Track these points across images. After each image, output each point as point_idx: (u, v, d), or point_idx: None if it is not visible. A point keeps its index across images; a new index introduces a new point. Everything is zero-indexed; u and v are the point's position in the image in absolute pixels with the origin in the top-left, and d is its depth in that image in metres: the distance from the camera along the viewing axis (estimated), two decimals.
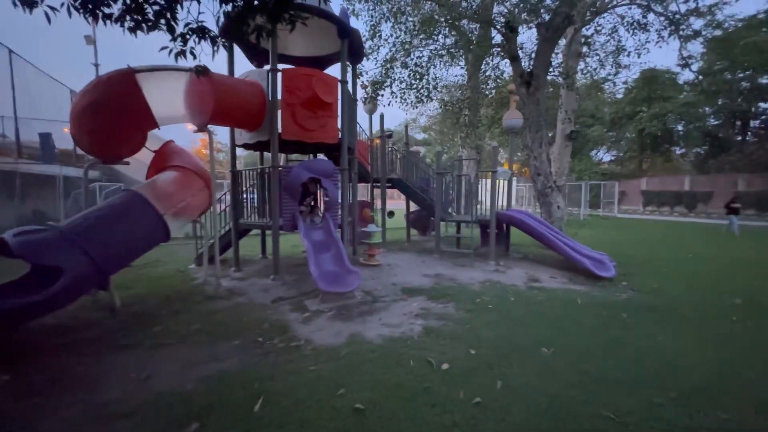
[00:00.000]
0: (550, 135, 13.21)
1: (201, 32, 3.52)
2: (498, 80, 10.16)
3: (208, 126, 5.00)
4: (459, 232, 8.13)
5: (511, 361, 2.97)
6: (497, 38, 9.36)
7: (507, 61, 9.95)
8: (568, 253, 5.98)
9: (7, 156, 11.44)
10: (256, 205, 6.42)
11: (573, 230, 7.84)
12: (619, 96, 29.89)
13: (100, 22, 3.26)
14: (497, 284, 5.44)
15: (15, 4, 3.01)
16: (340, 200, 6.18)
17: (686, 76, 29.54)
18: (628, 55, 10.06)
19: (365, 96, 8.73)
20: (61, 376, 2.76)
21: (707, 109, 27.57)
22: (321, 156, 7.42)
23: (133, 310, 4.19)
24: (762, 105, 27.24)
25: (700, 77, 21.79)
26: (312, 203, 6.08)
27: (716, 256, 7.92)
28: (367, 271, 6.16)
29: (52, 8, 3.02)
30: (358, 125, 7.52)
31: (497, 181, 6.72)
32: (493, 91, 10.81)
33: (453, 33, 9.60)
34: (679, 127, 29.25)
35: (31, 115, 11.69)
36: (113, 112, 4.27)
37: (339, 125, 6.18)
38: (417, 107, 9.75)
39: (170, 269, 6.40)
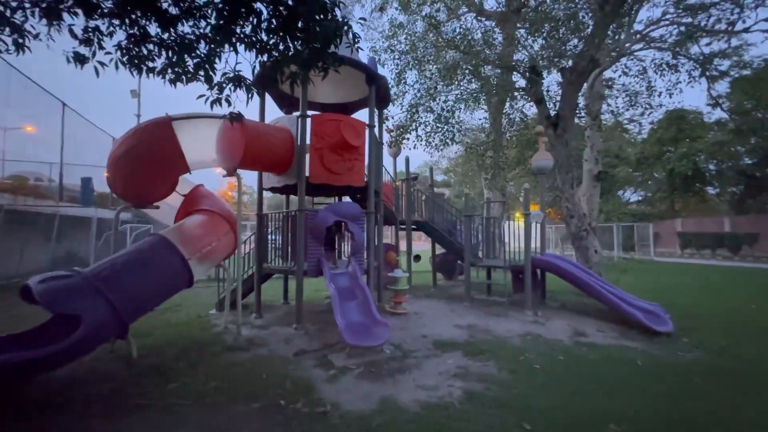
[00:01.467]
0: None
1: (237, 81, 3.58)
2: (523, 121, 10.13)
3: (237, 170, 5.02)
4: (489, 278, 7.67)
5: None
6: (521, 82, 9.44)
7: (531, 104, 9.98)
8: (617, 305, 5.42)
9: (50, 199, 12.08)
10: (280, 248, 6.29)
11: (613, 276, 7.26)
12: (644, 135, 29.50)
13: (144, 74, 3.43)
14: (539, 338, 4.92)
15: (69, 61, 3.18)
16: (366, 244, 5.97)
17: (715, 115, 29.06)
18: (659, 95, 9.89)
19: (390, 140, 8.81)
20: None
21: (740, 148, 26.66)
22: (346, 199, 7.36)
23: (149, 362, 3.95)
24: None
25: (732, 116, 21.29)
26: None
27: None
28: (394, 321, 5.77)
29: (102, 63, 3.16)
30: (383, 168, 7.49)
31: (530, 224, 6.39)
32: (517, 133, 10.76)
33: (476, 80, 9.80)
34: (711, 167, 28.26)
35: (75, 161, 12.47)
36: (149, 159, 4.34)
37: (365, 168, 6.13)
38: (441, 150, 9.76)
39: (191, 315, 6.21)
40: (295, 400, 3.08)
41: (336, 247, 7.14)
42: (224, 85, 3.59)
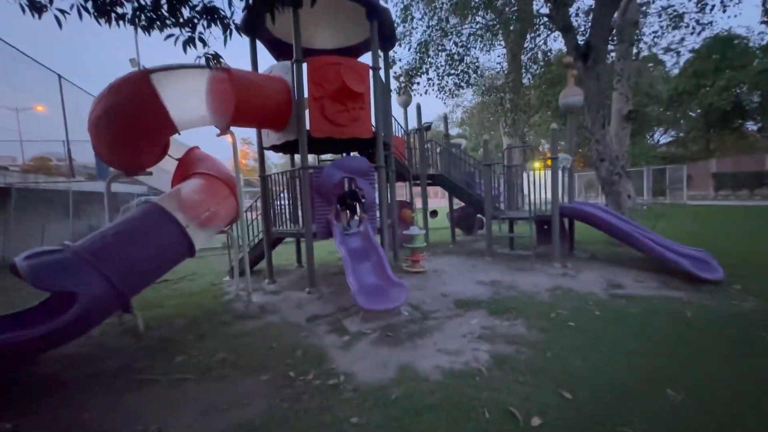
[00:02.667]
0: None
1: (210, 14, 3.05)
2: (546, 56, 9.05)
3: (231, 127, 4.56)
4: (512, 231, 7.20)
5: (627, 412, 2.14)
6: (544, 10, 8.29)
7: (556, 34, 8.86)
8: (660, 253, 4.89)
9: (63, 176, 12.09)
10: (288, 211, 5.96)
11: (649, 222, 6.65)
12: (676, 71, 26.90)
13: (113, 24, 2.99)
14: (571, 292, 4.52)
15: (23, 10, 2.72)
16: (377, 201, 5.54)
17: (759, 40, 25.89)
18: (711, 10, 8.51)
19: (399, 86, 8.05)
20: (66, 425, 2.33)
21: None
22: (354, 154, 6.84)
23: (158, 335, 3.79)
24: None
25: None
26: (354, 204, 5.37)
27: None
28: (411, 280, 5.47)
29: (62, 11, 2.72)
30: (393, 119, 6.85)
31: (558, 168, 5.76)
32: (540, 72, 9.69)
33: (492, 12, 8.67)
34: (755, 99, 25.72)
35: (85, 137, 12.26)
36: (130, 119, 3.92)
37: (372, 118, 5.54)
38: (456, 96, 8.91)
39: (205, 283, 6.09)
40: (305, 371, 2.83)
41: (348, 206, 6.78)
42: (195, 20, 3.08)
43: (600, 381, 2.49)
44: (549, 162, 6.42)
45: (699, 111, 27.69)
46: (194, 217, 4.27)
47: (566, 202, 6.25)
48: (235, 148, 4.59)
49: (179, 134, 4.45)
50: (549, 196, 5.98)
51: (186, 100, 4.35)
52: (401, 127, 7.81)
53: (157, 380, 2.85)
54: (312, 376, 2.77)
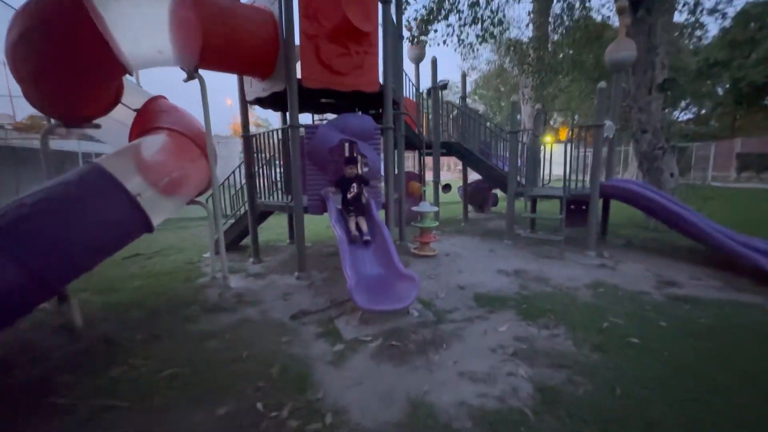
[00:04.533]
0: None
1: None
2: (582, 5, 7.74)
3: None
4: (534, 211, 6.29)
5: None
6: None
7: None
8: (725, 244, 4.00)
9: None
10: (276, 179, 5.06)
11: (694, 206, 5.73)
12: (705, 42, 24.79)
13: None
14: (617, 291, 3.68)
15: None
16: (382, 171, 4.62)
17: None
18: None
19: (411, 35, 6.87)
20: None
21: None
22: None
23: (101, 332, 3.01)
24: None
25: None
26: (355, 190, 4.09)
27: None
28: (420, 265, 4.65)
29: None
30: (404, 74, 5.77)
31: (602, 139, 4.77)
32: (574, 26, 8.38)
33: None
34: None
35: None
36: (57, 47, 2.93)
37: (380, 68, 4.50)
38: (476, 51, 7.71)
39: (181, 260, 5.29)
40: (280, 403, 2.05)
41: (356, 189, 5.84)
42: None
43: None
44: (562, 136, 5.38)
45: (727, 86, 25.91)
46: (155, 182, 3.38)
47: (605, 180, 5.29)
48: (205, 97, 3.61)
49: (131, 75, 3.47)
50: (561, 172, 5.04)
51: (139, 28, 3.35)
52: (413, 85, 6.72)
53: (73, 406, 2.07)
54: (287, 412, 1.98)
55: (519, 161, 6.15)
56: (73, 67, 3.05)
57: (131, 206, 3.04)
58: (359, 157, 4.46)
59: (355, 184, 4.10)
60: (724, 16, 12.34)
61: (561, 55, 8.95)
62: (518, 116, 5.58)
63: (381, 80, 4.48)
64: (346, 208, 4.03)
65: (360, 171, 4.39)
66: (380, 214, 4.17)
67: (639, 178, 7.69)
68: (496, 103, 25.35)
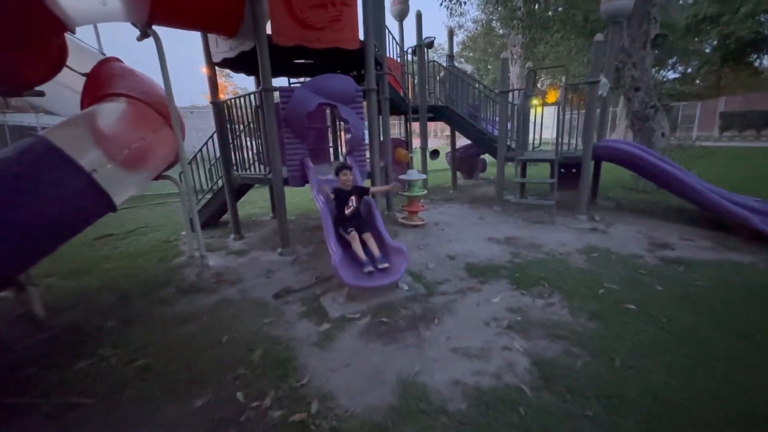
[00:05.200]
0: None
1: None
2: None
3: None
4: (524, 175, 6.12)
5: None
6: None
7: None
8: (726, 207, 3.90)
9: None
10: (253, 149, 4.71)
11: (685, 165, 5.64)
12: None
13: None
14: (610, 255, 3.60)
15: None
16: (367, 137, 4.33)
17: None
18: None
19: None
20: None
21: None
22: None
23: (69, 320, 2.79)
24: None
25: None
26: (354, 205, 3.37)
27: None
28: (408, 235, 4.49)
29: None
30: (387, 32, 5.31)
31: (596, 97, 4.54)
32: None
33: None
34: None
35: None
36: None
37: (360, 24, 4.09)
38: (462, 5, 7.17)
39: (157, 239, 5.00)
40: (262, 391, 1.90)
41: (329, 143, 5.52)
42: None
43: (714, 415, 1.60)
44: (550, 99, 5.14)
45: (715, 43, 25.51)
46: (113, 156, 3.04)
47: (597, 141, 5.11)
48: (163, 58, 3.20)
49: (72, 32, 3.02)
50: (552, 136, 4.85)
51: None
52: (397, 43, 6.26)
53: (34, 406, 1.89)
54: (270, 400, 1.84)
55: (509, 124, 5.90)
56: (3, 26, 2.61)
57: (86, 184, 2.72)
58: (350, 169, 3.80)
59: (353, 198, 3.32)
60: None
61: (550, 12, 8.44)
62: (508, 74, 5.26)
63: (361, 37, 4.09)
64: (344, 226, 3.18)
65: (343, 139, 4.07)
66: (366, 184, 3.93)
67: (627, 139, 7.55)
68: (483, 66, 24.50)
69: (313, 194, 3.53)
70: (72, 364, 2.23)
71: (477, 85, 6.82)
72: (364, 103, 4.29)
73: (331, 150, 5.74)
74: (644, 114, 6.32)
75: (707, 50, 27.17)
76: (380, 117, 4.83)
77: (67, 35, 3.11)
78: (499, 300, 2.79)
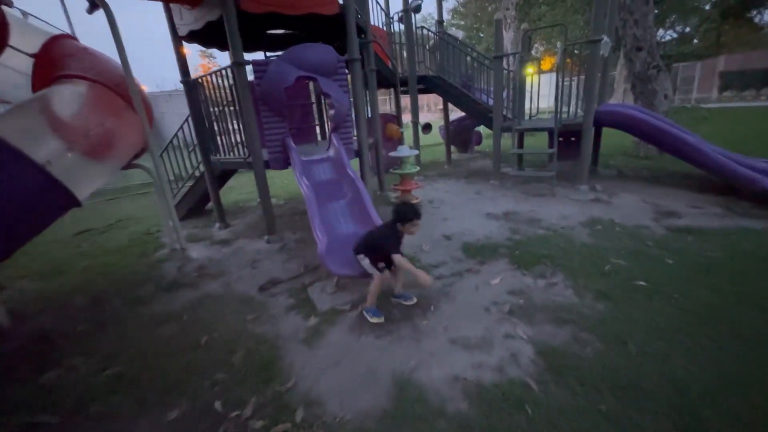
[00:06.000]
0: None
1: None
2: None
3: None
4: (521, 146, 5.84)
5: None
6: None
7: None
8: (738, 171, 3.67)
9: None
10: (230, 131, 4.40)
11: (690, 128, 5.37)
12: None
13: None
14: (615, 227, 3.40)
15: None
16: (352, 112, 4.02)
17: None
18: None
19: None
20: None
21: None
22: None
23: (37, 325, 2.59)
24: None
25: None
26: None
27: None
28: None
29: None
30: None
31: (598, 57, 4.22)
32: None
33: None
34: None
35: None
36: None
37: None
38: None
39: (138, 231, 4.77)
40: (242, 399, 1.72)
41: (311, 120, 5.18)
42: None
43: (744, 408, 1.44)
44: (547, 65, 4.83)
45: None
46: (73, 143, 2.76)
47: (601, 106, 4.82)
48: (116, 32, 2.85)
49: (9, 5, 2.66)
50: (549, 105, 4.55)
51: None
52: (382, 10, 5.82)
53: None
54: (251, 409, 1.66)
55: (505, 92, 5.57)
56: None
57: (40, 178, 2.45)
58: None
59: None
60: None
61: None
62: (501, 39, 4.88)
63: (341, 1, 3.71)
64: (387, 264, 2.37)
65: (327, 114, 3.77)
66: (353, 164, 3.67)
67: (626, 103, 7.23)
68: (475, 34, 23.54)
69: (296, 177, 3.27)
70: (38, 376, 2.04)
71: (470, 51, 6.41)
72: (349, 76, 3.97)
73: (318, 128, 5.41)
74: (647, 75, 5.99)
75: (706, 7, 26.29)
76: (367, 90, 4.50)
77: (6, 9, 2.75)
78: (499, 282, 2.60)
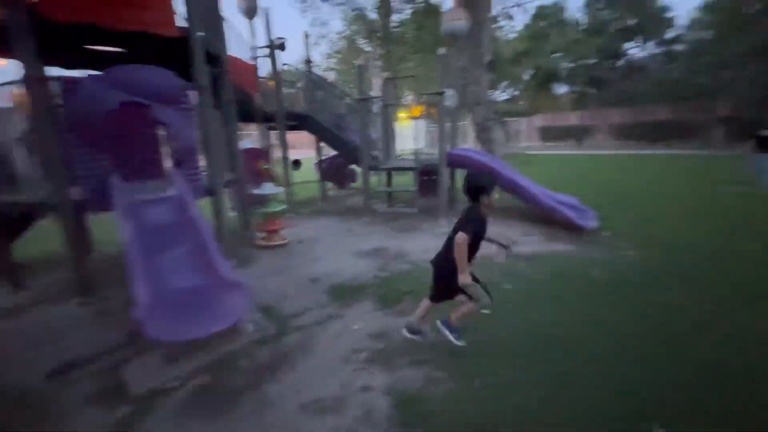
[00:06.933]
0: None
1: None
2: None
3: None
4: (390, 184, 6.18)
5: None
6: None
7: None
8: (551, 206, 4.49)
9: None
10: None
11: (519, 169, 6.56)
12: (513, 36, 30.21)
13: None
14: None
15: None
16: (199, 144, 3.58)
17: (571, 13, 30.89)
18: None
19: None
20: None
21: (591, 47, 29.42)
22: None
23: None
24: (627, 45, 30.08)
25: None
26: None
27: (669, 191, 7.47)
28: (267, 258, 3.91)
29: None
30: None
31: (444, 107, 4.80)
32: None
33: None
34: (568, 64, 31.05)
35: None
36: None
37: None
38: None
39: None
40: None
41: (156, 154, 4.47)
42: None
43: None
44: (416, 112, 5.45)
45: (532, 72, 32.12)
46: None
47: (452, 150, 5.45)
48: None
49: None
50: (419, 146, 5.06)
51: None
52: (247, 43, 5.58)
53: None
54: None
55: (373, 133, 5.87)
56: None
57: None
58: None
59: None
60: (525, 11, 14.54)
61: (404, 30, 8.98)
62: (364, 81, 5.19)
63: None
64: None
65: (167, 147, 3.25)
66: (202, 204, 3.20)
67: (476, 148, 8.51)
68: (351, 78, 25.20)
69: (119, 220, 2.64)
70: None
71: (338, 92, 6.64)
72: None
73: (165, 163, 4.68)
74: (485, 126, 7.13)
75: (526, 78, 33.97)
76: (228, 124, 4.12)
77: None
78: (362, 326, 2.48)
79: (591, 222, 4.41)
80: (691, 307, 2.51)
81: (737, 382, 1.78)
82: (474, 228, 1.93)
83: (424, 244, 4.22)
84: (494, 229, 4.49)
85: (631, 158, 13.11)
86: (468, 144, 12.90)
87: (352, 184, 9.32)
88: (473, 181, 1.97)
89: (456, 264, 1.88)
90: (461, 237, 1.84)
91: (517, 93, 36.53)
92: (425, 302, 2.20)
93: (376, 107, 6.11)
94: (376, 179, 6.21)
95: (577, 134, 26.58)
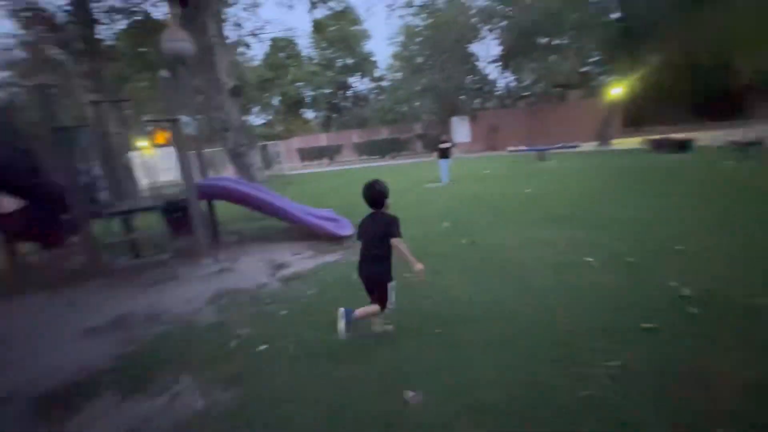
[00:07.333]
0: None
1: None
2: None
3: None
4: (130, 231, 4.96)
5: None
6: None
7: None
8: (309, 221, 4.76)
9: None
10: None
11: (280, 190, 6.77)
12: (256, 63, 31.30)
13: None
14: (238, 295, 3.43)
15: None
16: None
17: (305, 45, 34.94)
18: None
19: None
20: None
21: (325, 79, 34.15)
22: None
23: None
24: (352, 79, 37.00)
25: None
26: None
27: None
28: None
29: None
30: None
31: (183, 135, 4.28)
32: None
33: None
34: (309, 92, 34.86)
35: None
36: None
37: None
38: None
39: None
40: None
41: None
42: None
43: None
44: (161, 139, 4.83)
45: (279, 98, 34.05)
46: None
47: (200, 180, 4.93)
48: None
49: None
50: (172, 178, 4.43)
51: None
52: None
53: None
54: None
55: (93, 169, 4.53)
56: None
57: None
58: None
59: None
60: (261, 41, 15.21)
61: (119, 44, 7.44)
62: (49, 107, 3.92)
63: None
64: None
65: None
66: None
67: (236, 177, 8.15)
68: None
69: None
70: None
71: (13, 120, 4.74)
72: None
73: None
74: (238, 151, 6.92)
75: (275, 103, 35.66)
76: None
77: None
78: None
79: (346, 230, 5.03)
80: None
81: None
82: (398, 227, 2.22)
83: (185, 294, 3.61)
84: (264, 255, 4.40)
85: (368, 169, 16.10)
86: (229, 172, 12.23)
87: (74, 238, 6.93)
88: (375, 190, 2.26)
89: (389, 266, 2.26)
90: (397, 240, 2.17)
91: (271, 117, 37.88)
92: (374, 307, 2.31)
93: (85, 138, 4.75)
94: (103, 228, 4.84)
95: (328, 153, 30.20)
